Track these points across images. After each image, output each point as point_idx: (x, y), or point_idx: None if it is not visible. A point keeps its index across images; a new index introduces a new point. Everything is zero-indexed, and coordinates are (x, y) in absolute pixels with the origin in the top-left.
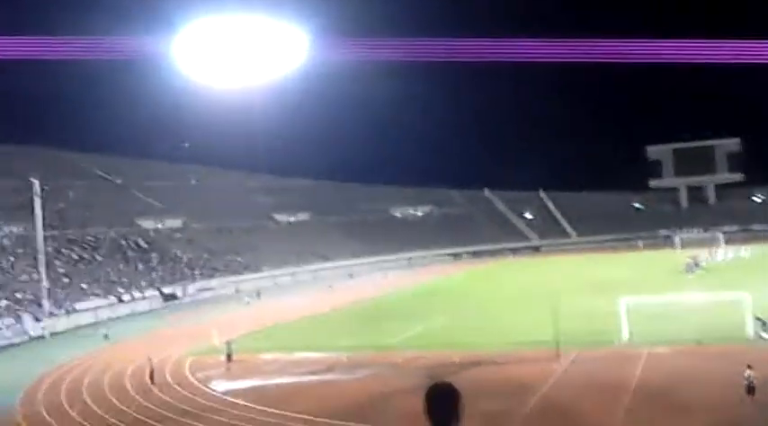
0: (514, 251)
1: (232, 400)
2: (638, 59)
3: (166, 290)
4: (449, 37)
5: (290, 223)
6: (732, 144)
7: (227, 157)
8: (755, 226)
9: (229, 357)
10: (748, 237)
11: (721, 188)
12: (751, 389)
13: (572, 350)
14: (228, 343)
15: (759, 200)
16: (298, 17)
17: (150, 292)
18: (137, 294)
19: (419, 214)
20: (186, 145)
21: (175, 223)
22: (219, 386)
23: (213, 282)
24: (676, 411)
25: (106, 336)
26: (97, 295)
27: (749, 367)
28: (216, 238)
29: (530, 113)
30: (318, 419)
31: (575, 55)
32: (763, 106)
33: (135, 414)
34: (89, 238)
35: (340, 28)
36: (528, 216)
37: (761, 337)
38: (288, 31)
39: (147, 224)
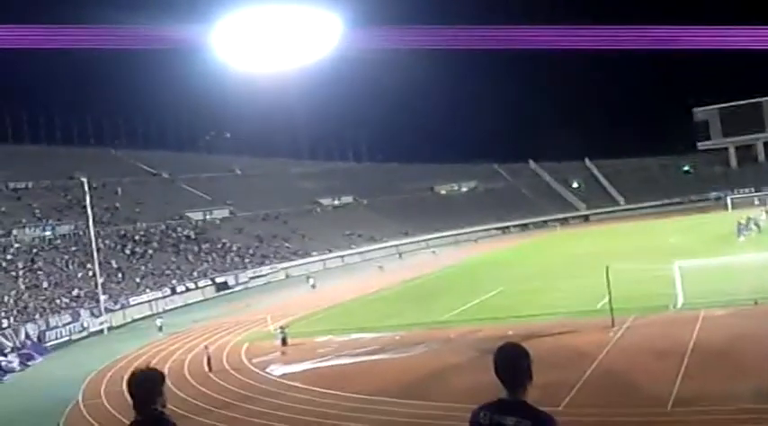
0: (563, 221)
1: (289, 383)
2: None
3: (218, 280)
4: (481, 25)
5: (335, 206)
6: None
7: (267, 146)
8: None
9: (284, 341)
10: None
11: None
12: None
13: (627, 317)
14: (283, 328)
15: None
16: (332, 4)
17: (203, 282)
18: (190, 285)
19: (464, 190)
20: (228, 135)
21: (223, 213)
22: (276, 370)
23: (264, 269)
24: (735, 371)
25: (161, 328)
26: (151, 288)
27: None
28: (263, 226)
29: (572, 83)
30: (375, 397)
31: (612, 42)
32: None
33: (195, 402)
34: (140, 233)
35: (375, 15)
36: (575, 185)
37: None
38: (323, 18)
39: (196, 215)
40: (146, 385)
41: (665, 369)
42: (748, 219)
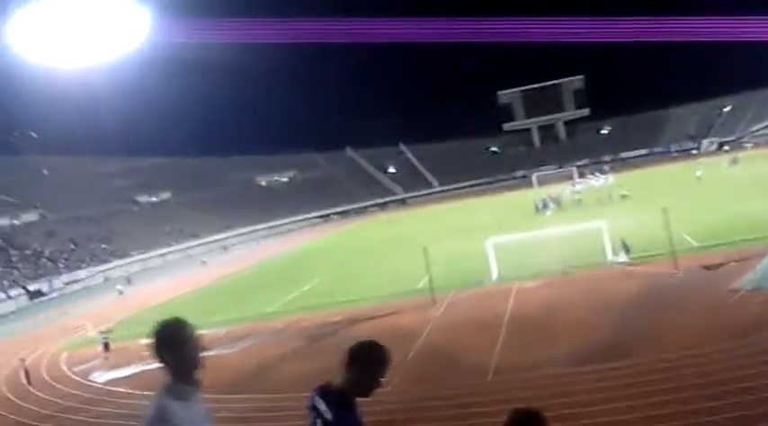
0: (382, 206)
1: (115, 389)
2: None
3: (32, 287)
4: (293, 16)
5: (152, 203)
6: (576, 81)
7: (77, 143)
8: (605, 158)
9: (106, 346)
10: (598, 169)
11: (570, 124)
12: None
13: (447, 294)
14: (104, 332)
15: (605, 132)
16: None
17: (14, 291)
18: (0, 295)
19: (284, 180)
20: (34, 135)
21: (32, 217)
22: (100, 376)
23: (81, 273)
24: (548, 338)
25: None
26: None
27: None
28: (77, 228)
29: (384, 69)
30: (207, 395)
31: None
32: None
33: (17, 418)
34: None
35: (184, 6)
36: (391, 170)
37: (618, 261)
38: (129, 9)
39: (2, 221)
40: None
41: (484, 341)
42: (549, 197)
